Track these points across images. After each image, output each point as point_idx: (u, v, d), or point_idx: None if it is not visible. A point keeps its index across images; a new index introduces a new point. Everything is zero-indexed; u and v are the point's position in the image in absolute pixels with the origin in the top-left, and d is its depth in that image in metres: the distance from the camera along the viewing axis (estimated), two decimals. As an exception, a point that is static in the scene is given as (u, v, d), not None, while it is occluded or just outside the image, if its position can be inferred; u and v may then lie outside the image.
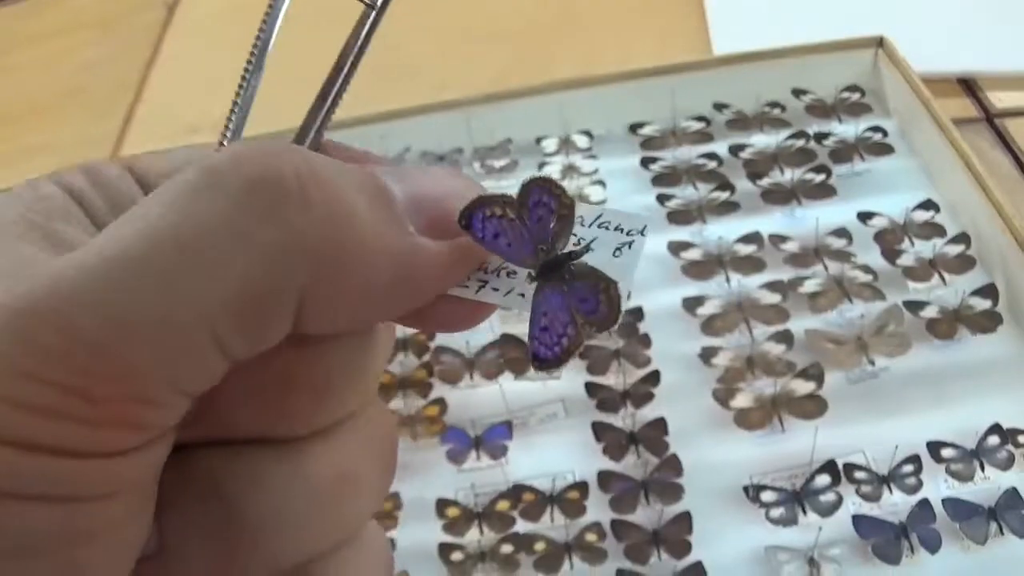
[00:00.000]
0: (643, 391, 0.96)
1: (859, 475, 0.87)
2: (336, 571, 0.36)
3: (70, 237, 0.32)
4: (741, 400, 0.93)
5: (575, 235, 0.35)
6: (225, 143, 0.39)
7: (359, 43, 0.39)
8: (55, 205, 0.34)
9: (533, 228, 0.34)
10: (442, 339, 1.04)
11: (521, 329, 0.97)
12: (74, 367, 0.27)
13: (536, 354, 0.33)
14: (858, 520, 0.84)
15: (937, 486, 0.86)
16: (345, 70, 0.39)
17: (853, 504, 0.86)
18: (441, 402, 0.98)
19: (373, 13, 0.39)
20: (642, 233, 0.35)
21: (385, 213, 0.33)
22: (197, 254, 0.28)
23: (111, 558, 0.29)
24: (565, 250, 0.34)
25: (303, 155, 0.31)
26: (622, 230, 0.35)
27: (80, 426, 0.27)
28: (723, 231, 1.08)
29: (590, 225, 0.35)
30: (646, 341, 1.00)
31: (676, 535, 0.86)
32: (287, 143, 0.33)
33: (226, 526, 0.32)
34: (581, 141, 1.23)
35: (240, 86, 0.40)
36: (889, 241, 1.03)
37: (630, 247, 0.35)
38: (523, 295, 0.34)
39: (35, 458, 0.27)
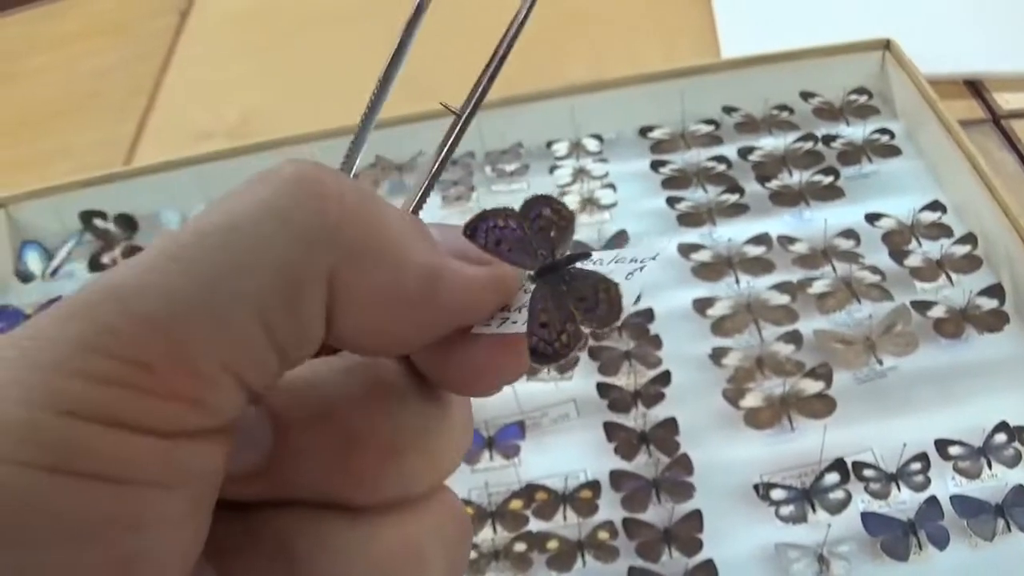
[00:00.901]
0: (654, 391, 0.97)
1: (868, 473, 0.87)
2: None
3: None
4: (751, 400, 0.94)
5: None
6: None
7: (446, 149, 0.40)
8: None
9: (534, 238, 0.35)
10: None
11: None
12: (132, 340, 0.28)
13: (534, 349, 0.33)
14: (867, 517, 0.85)
15: (945, 483, 0.86)
16: (437, 162, 0.40)
17: (862, 502, 0.87)
18: (455, 403, 0.98)
19: (460, 121, 0.40)
20: (653, 258, 0.36)
21: (416, 229, 0.34)
22: (241, 237, 0.30)
23: (164, 556, 0.30)
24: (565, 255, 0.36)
25: (347, 180, 0.33)
26: (636, 260, 0.36)
27: (138, 395, 0.28)
28: (732, 233, 1.09)
29: (608, 263, 0.36)
30: (657, 342, 1.01)
31: (687, 533, 0.87)
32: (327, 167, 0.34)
33: None
34: (592, 145, 1.23)
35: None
36: (897, 242, 1.04)
37: (641, 271, 0.35)
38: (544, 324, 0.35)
39: (93, 429, 0.27)
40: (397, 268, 0.32)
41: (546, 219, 0.36)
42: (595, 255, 0.36)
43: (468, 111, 0.40)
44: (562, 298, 0.34)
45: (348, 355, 0.36)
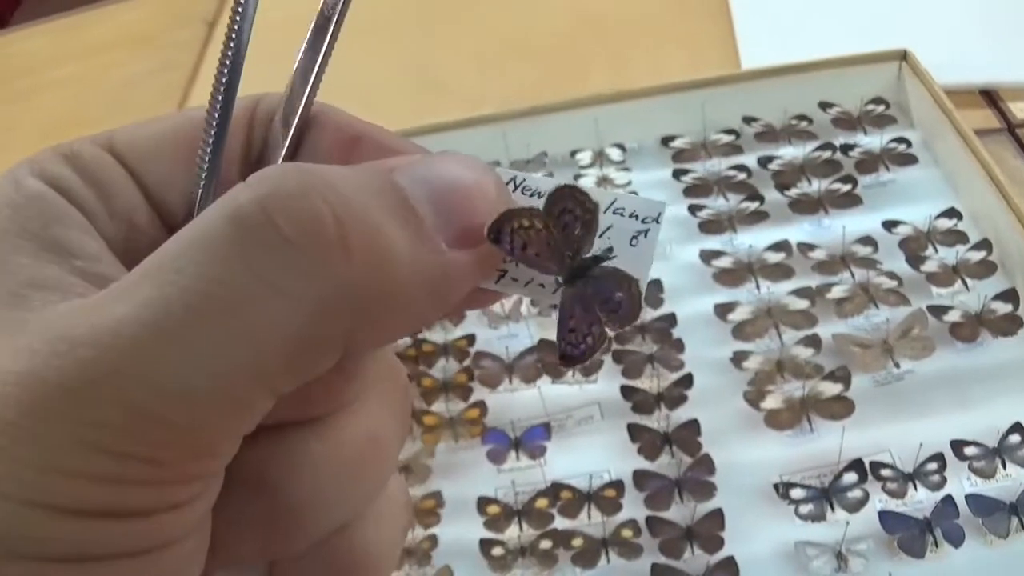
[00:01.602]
0: (677, 394, 0.98)
1: (885, 473, 0.89)
2: (368, 526, 0.38)
3: (73, 243, 0.33)
4: (771, 402, 0.95)
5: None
6: (217, 92, 0.38)
7: (342, 5, 0.39)
8: (47, 206, 0.33)
9: (559, 236, 0.34)
10: (482, 344, 1.06)
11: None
12: (135, 437, 0.27)
13: (564, 353, 0.35)
14: (884, 516, 0.86)
15: (960, 483, 0.88)
16: (330, 34, 0.40)
17: (879, 501, 0.88)
18: (481, 405, 1.01)
19: (333, 23, 0.40)
20: (657, 220, 0.36)
21: (417, 235, 0.32)
22: (241, 316, 0.28)
23: None
24: (590, 254, 0.35)
25: (331, 187, 0.31)
26: (637, 217, 0.36)
27: (148, 488, 0.28)
28: (753, 240, 1.10)
29: (605, 211, 0.36)
30: (679, 346, 1.03)
31: (709, 531, 0.88)
32: (306, 167, 0.32)
33: (272, 509, 0.34)
34: (615, 154, 1.25)
35: (229, 33, 0.39)
36: (913, 248, 1.06)
37: (646, 235, 0.35)
38: (543, 285, 0.36)
39: (108, 523, 0.28)
40: (407, 300, 0.32)
41: (571, 214, 0.35)
42: (594, 195, 0.35)
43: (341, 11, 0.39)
44: (588, 301, 0.35)
45: None
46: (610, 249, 0.35)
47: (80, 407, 0.27)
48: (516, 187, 0.37)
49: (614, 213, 0.36)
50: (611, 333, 0.35)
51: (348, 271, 0.30)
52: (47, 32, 1.87)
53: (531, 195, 0.37)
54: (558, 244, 0.35)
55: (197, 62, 1.65)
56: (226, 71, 0.38)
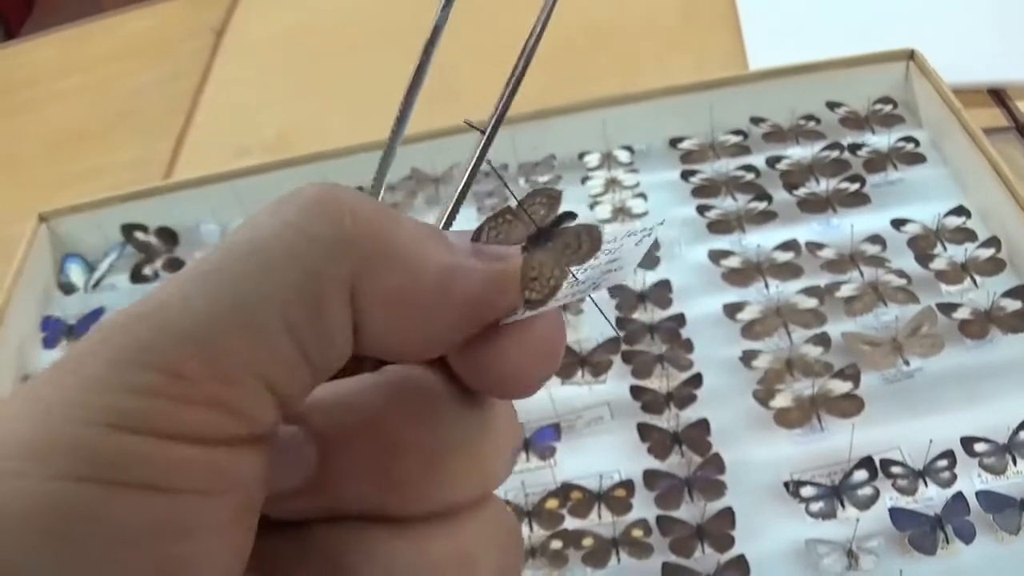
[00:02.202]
0: (686, 393, 0.98)
1: (895, 470, 0.89)
2: None
3: None
4: (781, 400, 0.95)
5: (608, 252, 0.37)
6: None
7: (471, 166, 0.41)
8: None
9: (527, 222, 0.37)
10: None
11: (571, 337, 1.00)
12: (165, 352, 0.30)
13: (528, 299, 0.35)
14: (895, 513, 0.86)
15: (971, 480, 0.88)
16: (466, 177, 0.42)
17: (890, 498, 0.88)
18: (491, 406, 1.00)
19: (485, 138, 0.41)
20: (660, 223, 0.39)
21: (431, 234, 0.35)
22: (265, 251, 0.32)
23: (209, 563, 0.31)
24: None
25: (355, 190, 0.35)
26: (644, 231, 0.37)
27: (175, 404, 0.29)
28: (761, 239, 1.11)
29: (620, 239, 0.37)
30: (688, 346, 1.03)
31: (719, 530, 0.88)
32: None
33: None
34: (623, 156, 1.25)
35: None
36: (922, 246, 1.06)
37: (648, 235, 0.37)
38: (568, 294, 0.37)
39: (136, 440, 0.29)
40: (412, 270, 0.34)
41: (536, 204, 0.37)
42: (606, 234, 0.37)
43: (491, 128, 0.41)
44: (550, 250, 0.36)
45: (387, 370, 0.37)
46: (572, 214, 0.37)
47: (127, 329, 0.30)
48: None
49: (627, 236, 0.37)
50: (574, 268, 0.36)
51: (354, 223, 0.33)
52: (55, 43, 1.88)
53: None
54: (525, 224, 0.37)
55: (205, 71, 1.66)
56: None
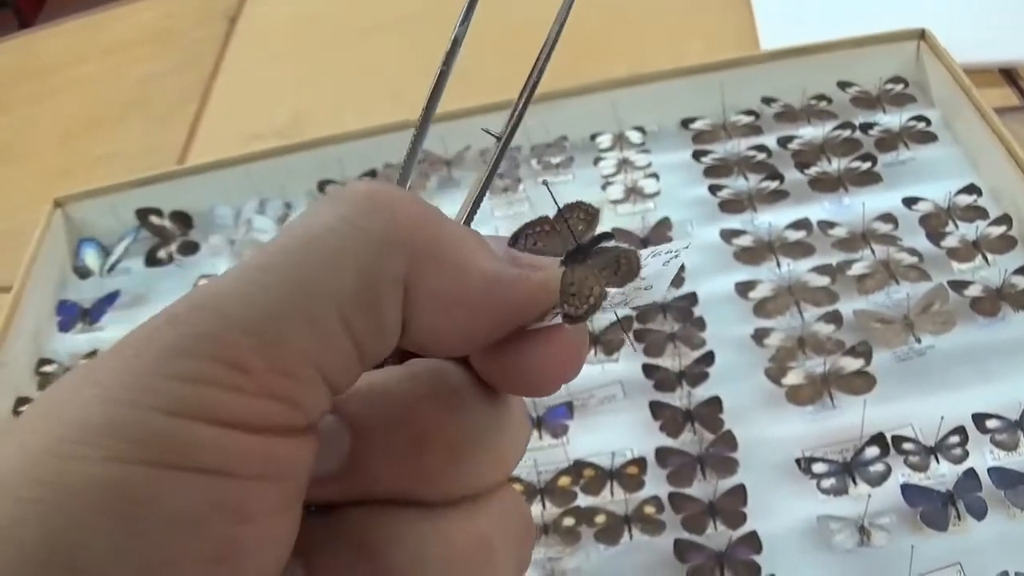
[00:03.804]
0: (698, 371, 0.99)
1: (907, 446, 0.89)
2: None
3: None
4: (792, 378, 0.95)
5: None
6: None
7: (491, 167, 0.43)
8: None
9: (565, 235, 0.39)
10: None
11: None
12: (228, 343, 0.31)
13: (567, 313, 0.36)
14: (906, 489, 0.86)
15: (983, 456, 0.88)
16: (483, 183, 0.43)
17: (902, 474, 0.88)
18: (503, 385, 1.00)
19: (500, 144, 0.43)
20: (686, 247, 0.39)
21: (477, 240, 0.37)
22: (323, 247, 0.33)
23: (263, 546, 0.32)
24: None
25: (409, 192, 0.36)
26: (671, 252, 0.39)
27: (236, 394, 0.30)
28: (773, 219, 1.11)
29: (647, 258, 0.39)
30: (701, 324, 1.03)
31: (731, 506, 0.88)
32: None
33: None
34: (635, 137, 1.25)
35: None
36: (934, 224, 1.06)
37: (676, 257, 0.38)
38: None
39: (196, 427, 0.30)
40: (463, 273, 0.35)
41: (575, 219, 0.38)
42: (636, 253, 0.39)
43: (507, 135, 0.43)
44: (589, 272, 0.37)
45: (415, 363, 0.38)
46: (610, 234, 0.39)
47: (190, 320, 0.31)
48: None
49: (652, 256, 0.39)
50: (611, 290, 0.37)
51: (406, 218, 0.34)
52: (68, 32, 1.88)
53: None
54: (563, 236, 0.39)
55: (218, 58, 1.66)
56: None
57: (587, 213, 0.39)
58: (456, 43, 0.44)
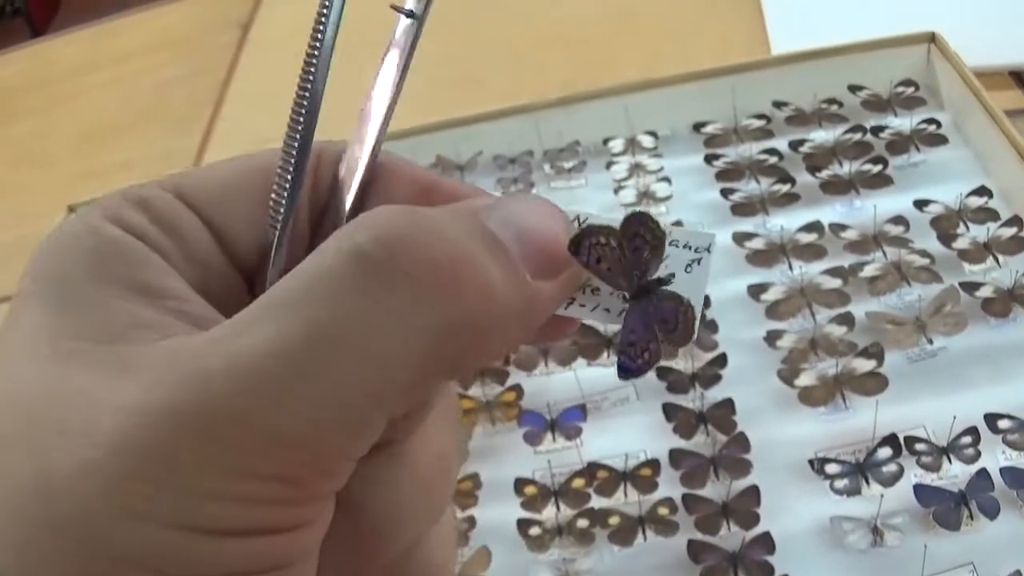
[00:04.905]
0: (711, 373, 0.99)
1: (919, 447, 0.89)
2: (432, 546, 0.40)
3: (161, 285, 0.35)
4: (805, 379, 0.95)
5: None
6: (290, 146, 0.41)
7: (406, 56, 0.43)
8: (129, 251, 0.35)
9: (630, 256, 0.38)
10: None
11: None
12: (277, 460, 0.30)
13: (623, 365, 0.37)
14: (919, 489, 0.86)
15: (995, 456, 0.88)
16: (396, 85, 0.43)
17: (914, 475, 0.88)
18: (517, 388, 1.01)
19: (416, 24, 0.43)
20: (708, 250, 0.39)
21: (509, 271, 0.35)
22: (368, 345, 0.31)
23: None
24: (655, 276, 0.39)
25: (439, 229, 0.34)
26: (690, 247, 0.39)
27: (284, 507, 0.31)
28: (785, 222, 1.11)
29: (668, 244, 0.39)
30: (713, 327, 1.03)
31: (745, 507, 0.89)
32: (412, 209, 0.35)
33: (354, 526, 0.36)
34: (647, 141, 1.25)
35: (302, 89, 0.42)
36: (945, 226, 1.06)
37: (699, 263, 0.39)
38: (608, 310, 0.39)
39: (248, 542, 0.30)
40: (503, 331, 0.35)
41: (641, 239, 0.38)
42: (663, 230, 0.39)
43: (424, 10, 0.42)
44: (648, 319, 0.38)
45: None
46: (672, 275, 0.38)
47: (221, 436, 0.29)
48: (579, 224, 0.40)
49: (671, 245, 0.39)
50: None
51: (461, 303, 0.33)
52: (81, 39, 1.89)
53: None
54: (628, 263, 0.38)
55: (231, 66, 1.67)
56: (303, 111, 0.42)
57: (653, 235, 0.38)
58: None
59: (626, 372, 0.38)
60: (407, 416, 0.36)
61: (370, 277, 0.32)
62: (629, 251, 0.38)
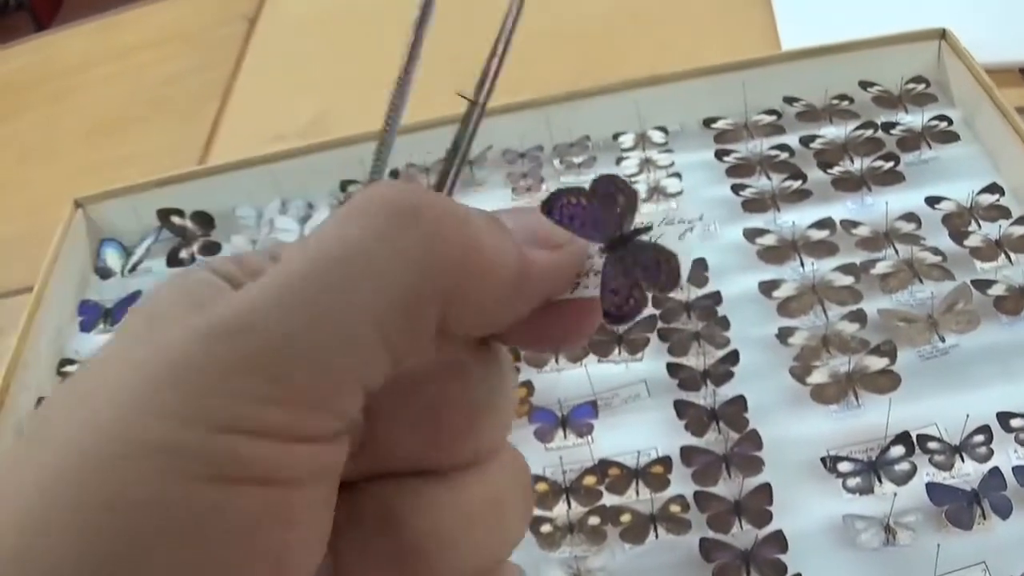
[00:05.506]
0: (723, 370, 0.99)
1: (932, 445, 0.89)
2: None
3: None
4: (817, 377, 0.95)
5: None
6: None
7: (468, 138, 0.44)
8: (210, 284, 0.37)
9: (604, 214, 0.39)
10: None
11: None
12: (278, 360, 0.32)
13: (607, 312, 0.37)
14: (932, 488, 0.86)
15: (1007, 455, 0.88)
16: (459, 158, 0.44)
17: (927, 473, 0.88)
18: (528, 384, 1.01)
19: (478, 109, 0.44)
20: (699, 218, 0.40)
21: (500, 232, 0.37)
22: (363, 266, 0.33)
23: (309, 545, 0.33)
24: (631, 229, 0.39)
25: (430, 191, 0.36)
26: (684, 220, 0.40)
27: (286, 408, 0.31)
28: (796, 218, 1.11)
29: (660, 224, 0.40)
30: (725, 323, 1.03)
31: (757, 505, 0.89)
32: (400, 183, 0.37)
33: (397, 549, 0.36)
34: (657, 136, 1.25)
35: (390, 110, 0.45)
36: (956, 224, 1.06)
37: (691, 231, 0.39)
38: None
39: (248, 441, 0.31)
40: (495, 279, 0.36)
41: (612, 197, 0.39)
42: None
43: (485, 98, 0.44)
44: (628, 267, 0.38)
45: None
46: (649, 226, 0.39)
47: (235, 338, 0.32)
48: None
49: (667, 224, 0.40)
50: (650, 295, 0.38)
51: (444, 244, 0.34)
52: (87, 33, 1.89)
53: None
54: (602, 218, 0.39)
55: (238, 58, 1.67)
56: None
57: (625, 193, 0.39)
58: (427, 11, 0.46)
59: (613, 318, 0.38)
60: (446, 431, 0.38)
61: (367, 214, 0.35)
62: (604, 209, 0.39)
